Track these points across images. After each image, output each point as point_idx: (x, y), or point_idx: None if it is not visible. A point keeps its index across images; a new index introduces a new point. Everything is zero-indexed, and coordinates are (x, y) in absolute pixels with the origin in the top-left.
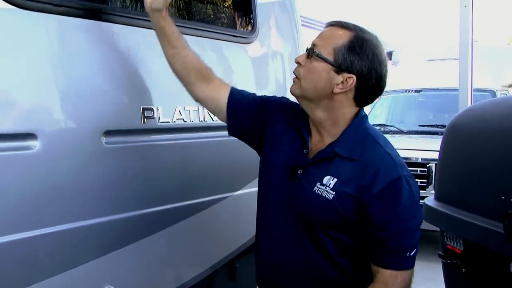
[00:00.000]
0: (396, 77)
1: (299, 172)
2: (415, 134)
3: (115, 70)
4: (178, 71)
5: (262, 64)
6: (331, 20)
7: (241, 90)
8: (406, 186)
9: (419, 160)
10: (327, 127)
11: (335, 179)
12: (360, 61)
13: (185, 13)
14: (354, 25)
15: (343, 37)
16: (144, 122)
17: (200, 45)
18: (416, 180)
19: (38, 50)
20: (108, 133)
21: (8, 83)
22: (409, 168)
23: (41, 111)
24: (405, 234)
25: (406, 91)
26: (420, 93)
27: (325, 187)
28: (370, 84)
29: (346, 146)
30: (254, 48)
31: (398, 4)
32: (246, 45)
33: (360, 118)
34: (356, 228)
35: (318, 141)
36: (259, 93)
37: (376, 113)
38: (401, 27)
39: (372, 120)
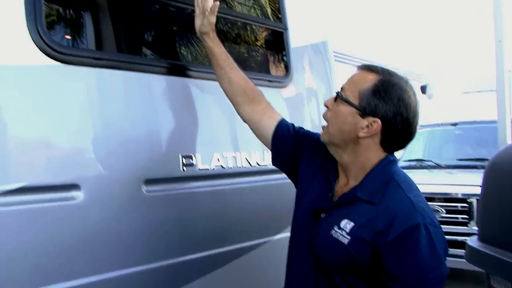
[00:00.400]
0: (432, 111)
1: (322, 215)
2: (453, 168)
3: (153, 119)
4: (226, 91)
5: (297, 107)
6: (361, 65)
7: (290, 123)
8: (426, 234)
9: (459, 196)
10: (353, 171)
11: (352, 223)
12: (385, 105)
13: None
14: (383, 69)
15: (369, 80)
16: (183, 169)
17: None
18: (457, 216)
19: (79, 102)
20: (148, 181)
21: (52, 135)
22: (449, 204)
23: (84, 162)
24: (423, 287)
25: (442, 125)
26: (457, 126)
27: (342, 231)
28: (397, 129)
29: (367, 190)
30: (289, 92)
31: (432, 37)
32: (281, 89)
33: (386, 162)
34: (371, 275)
35: (344, 184)
36: None
37: (413, 148)
38: (436, 59)
39: (408, 156)
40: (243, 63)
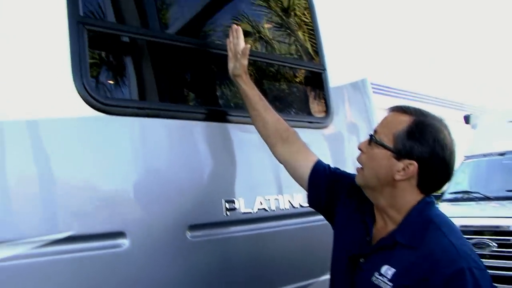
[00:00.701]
0: (477, 141)
1: (361, 260)
2: (503, 200)
3: (196, 166)
4: (260, 133)
5: (338, 147)
6: (392, 106)
7: (326, 164)
8: (471, 279)
9: (511, 229)
10: (391, 214)
11: (393, 269)
12: (420, 146)
13: None
14: (416, 109)
15: (403, 122)
16: (226, 214)
17: None
18: (510, 250)
19: (124, 151)
20: (192, 227)
21: (98, 184)
22: (500, 238)
23: (129, 209)
24: None
25: (489, 155)
26: (505, 156)
27: (383, 277)
28: (434, 170)
29: (406, 233)
30: (330, 132)
31: (473, 67)
32: (321, 130)
33: (424, 204)
34: None
35: (382, 227)
36: None
37: (458, 179)
38: (479, 89)
39: (454, 188)
40: (283, 105)
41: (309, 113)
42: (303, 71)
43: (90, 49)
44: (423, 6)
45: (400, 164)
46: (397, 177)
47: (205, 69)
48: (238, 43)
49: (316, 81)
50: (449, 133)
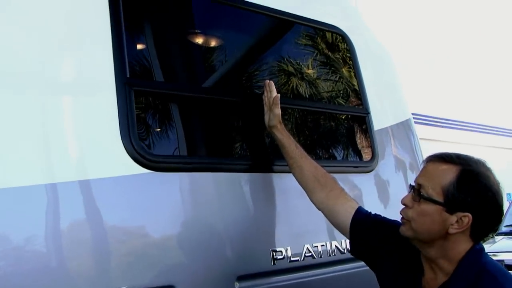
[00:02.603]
0: None
1: None
2: None
3: (242, 216)
4: (298, 179)
5: (384, 190)
6: (430, 155)
7: (367, 211)
8: None
9: None
10: (441, 265)
11: None
12: (473, 197)
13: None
14: (458, 156)
15: (449, 173)
16: (274, 263)
17: None
18: None
19: (173, 205)
20: (240, 278)
21: (148, 239)
22: None
23: (179, 263)
24: None
25: None
26: None
27: None
28: (488, 218)
29: (460, 284)
30: (375, 176)
31: None
32: (367, 174)
33: (475, 253)
34: None
35: (431, 279)
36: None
37: None
38: None
39: (510, 220)
40: (328, 151)
41: (354, 158)
42: (347, 115)
43: (137, 108)
44: (467, 34)
45: (454, 218)
46: (451, 230)
47: (248, 121)
48: (271, 96)
49: (360, 125)
50: (494, 176)
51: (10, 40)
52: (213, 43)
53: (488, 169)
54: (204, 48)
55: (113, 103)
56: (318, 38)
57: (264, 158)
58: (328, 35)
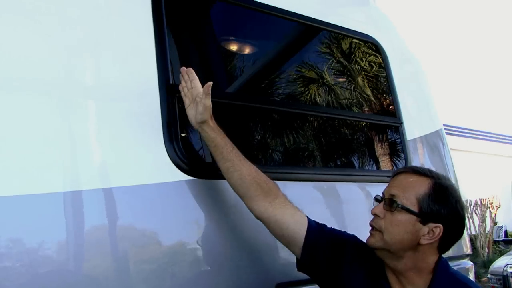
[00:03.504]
0: None
1: None
2: None
3: None
4: (235, 186)
5: None
6: (401, 168)
7: (316, 222)
8: None
9: None
10: (410, 277)
11: None
12: (445, 209)
13: (335, 162)
14: (429, 170)
15: (423, 185)
16: None
17: (351, 190)
18: None
19: (213, 213)
20: (279, 286)
21: (188, 247)
22: None
23: (220, 270)
24: None
25: None
26: None
27: None
28: (455, 230)
29: None
30: None
31: None
32: None
33: (443, 264)
34: None
35: None
36: None
37: None
38: None
39: None
40: (362, 161)
41: (388, 167)
42: (381, 125)
43: (181, 115)
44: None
45: (426, 228)
46: (423, 241)
47: (284, 130)
48: (194, 86)
49: (394, 134)
50: (459, 191)
51: (59, 49)
52: (252, 51)
53: (454, 184)
54: (244, 56)
55: (158, 110)
56: (354, 47)
57: (305, 167)
58: (363, 44)
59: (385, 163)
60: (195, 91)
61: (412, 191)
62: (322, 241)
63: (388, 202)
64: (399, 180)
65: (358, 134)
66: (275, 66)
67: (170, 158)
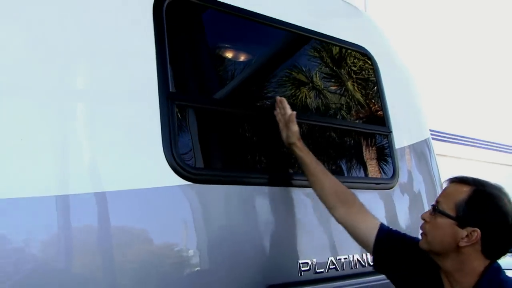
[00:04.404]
0: None
1: None
2: None
3: (273, 228)
4: (319, 196)
5: (404, 207)
6: (452, 177)
7: (389, 227)
8: None
9: None
10: (458, 278)
11: None
12: (481, 214)
13: (332, 168)
14: (474, 179)
15: (464, 192)
16: (300, 274)
17: None
18: None
19: (210, 216)
20: (269, 287)
21: (185, 250)
22: None
23: (213, 273)
24: None
25: None
26: None
27: None
28: (497, 236)
29: None
30: (396, 192)
31: None
32: (388, 190)
33: (493, 270)
34: None
35: None
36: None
37: None
38: None
39: None
40: (351, 168)
41: (376, 175)
42: (370, 133)
43: (179, 122)
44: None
45: (464, 232)
46: (461, 243)
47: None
48: (285, 113)
49: (383, 143)
50: (508, 199)
51: (59, 55)
52: (247, 59)
53: (503, 193)
54: (239, 63)
55: (157, 117)
56: (346, 57)
57: (295, 173)
58: (355, 54)
59: (374, 171)
60: (287, 117)
61: (453, 198)
62: (390, 244)
63: (432, 208)
64: (445, 188)
65: (349, 142)
66: (267, 74)
67: (168, 164)
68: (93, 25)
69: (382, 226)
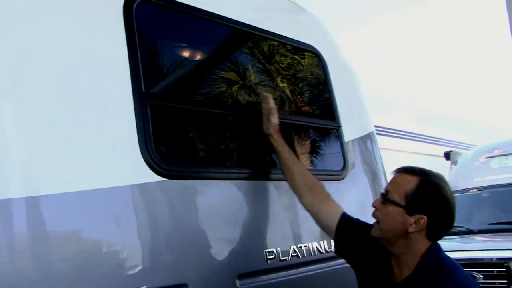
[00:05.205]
0: (457, 177)
1: None
2: (485, 233)
3: (242, 220)
4: (290, 184)
5: (354, 196)
6: (399, 167)
7: (350, 215)
8: None
9: (494, 260)
10: (404, 260)
11: None
12: (428, 202)
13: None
14: (420, 170)
15: (411, 182)
16: (267, 263)
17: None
18: (495, 281)
19: (182, 210)
20: (240, 276)
21: (164, 243)
22: (484, 269)
23: (190, 264)
24: None
25: (469, 190)
26: (484, 191)
27: None
28: (440, 221)
29: (422, 278)
30: (347, 183)
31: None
32: (340, 181)
33: (433, 250)
34: None
35: (397, 275)
36: None
37: None
38: (459, 126)
39: None
40: (308, 160)
41: (329, 166)
42: (322, 128)
43: (153, 120)
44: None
45: (412, 219)
46: (410, 229)
47: (251, 133)
48: (269, 107)
49: (333, 136)
50: (449, 188)
51: (37, 54)
52: (216, 60)
53: (444, 181)
54: (211, 64)
55: (132, 116)
56: (297, 56)
57: (265, 167)
58: (305, 53)
59: (326, 163)
60: (268, 111)
61: (402, 187)
62: (350, 230)
63: (382, 197)
64: (393, 178)
65: (301, 136)
66: (216, 70)
67: (144, 161)
68: (67, 26)
69: (344, 214)
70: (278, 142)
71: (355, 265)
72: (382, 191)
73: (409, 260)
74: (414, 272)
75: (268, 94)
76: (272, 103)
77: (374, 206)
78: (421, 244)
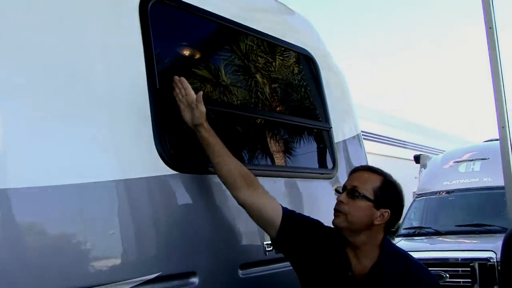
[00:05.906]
0: (426, 180)
1: None
2: (452, 234)
3: (245, 215)
4: (224, 177)
5: None
6: (360, 166)
7: (287, 208)
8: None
9: (459, 260)
10: (365, 250)
11: None
12: (391, 198)
13: (281, 161)
14: (378, 169)
15: (377, 180)
16: (266, 254)
17: (292, 186)
18: (459, 280)
19: (192, 203)
20: (243, 266)
21: (176, 233)
22: (450, 269)
23: (198, 253)
24: None
25: (438, 193)
26: (451, 194)
27: None
28: (397, 215)
29: (389, 265)
30: (337, 181)
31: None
32: (330, 179)
33: (387, 241)
34: None
35: (356, 264)
36: None
37: (411, 216)
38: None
39: (409, 223)
40: (300, 159)
41: (320, 166)
42: (314, 129)
43: (167, 116)
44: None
45: (378, 212)
46: (376, 222)
47: (254, 132)
48: (188, 93)
49: (324, 137)
50: (400, 186)
51: (59, 55)
52: (224, 59)
53: (396, 180)
54: (219, 63)
55: (148, 112)
56: (293, 60)
57: (268, 163)
58: (300, 57)
59: (318, 163)
60: (190, 98)
61: (370, 184)
62: (294, 225)
63: (351, 192)
64: (358, 175)
65: (294, 137)
66: (225, 69)
67: (159, 155)
68: (90, 27)
69: (285, 208)
70: (210, 132)
71: (300, 260)
72: (348, 186)
73: (370, 250)
74: (378, 261)
75: (181, 78)
76: (190, 89)
77: (340, 200)
78: (380, 236)
